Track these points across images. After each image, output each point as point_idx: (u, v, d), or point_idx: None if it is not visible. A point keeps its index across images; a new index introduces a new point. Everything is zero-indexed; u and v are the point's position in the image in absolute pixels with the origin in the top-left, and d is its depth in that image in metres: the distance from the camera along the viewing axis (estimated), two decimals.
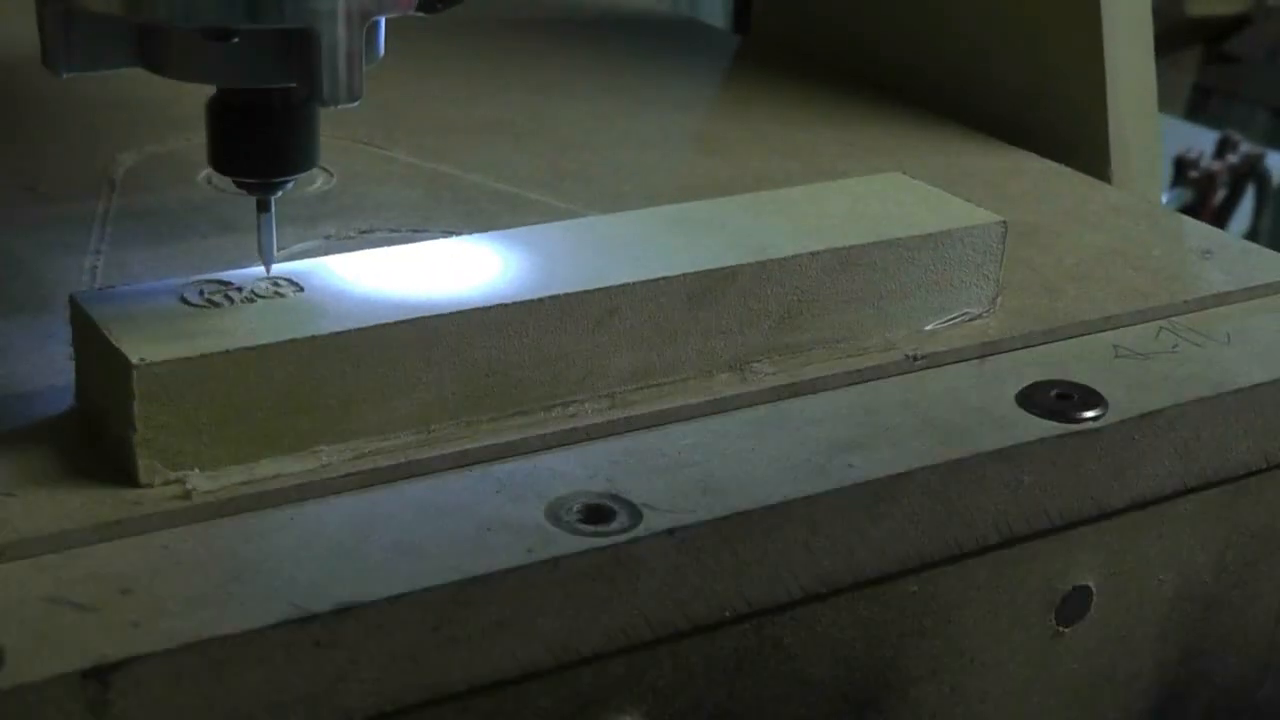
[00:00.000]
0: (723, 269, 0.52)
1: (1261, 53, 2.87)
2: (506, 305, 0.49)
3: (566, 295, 0.50)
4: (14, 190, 0.67)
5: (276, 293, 0.48)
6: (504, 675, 0.44)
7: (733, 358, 0.53)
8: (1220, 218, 2.22)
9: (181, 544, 0.43)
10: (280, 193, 0.50)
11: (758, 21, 0.99)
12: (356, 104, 0.46)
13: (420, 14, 0.47)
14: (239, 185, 0.50)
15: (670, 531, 0.45)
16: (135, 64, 0.47)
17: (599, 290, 0.50)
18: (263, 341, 0.45)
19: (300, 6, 0.44)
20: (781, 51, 0.93)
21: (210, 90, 0.48)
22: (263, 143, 0.48)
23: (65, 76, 0.46)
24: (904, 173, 0.61)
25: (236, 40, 0.45)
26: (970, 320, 0.58)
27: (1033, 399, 0.54)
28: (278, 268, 0.50)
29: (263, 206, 0.50)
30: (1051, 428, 0.52)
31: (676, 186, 0.71)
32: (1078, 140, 0.77)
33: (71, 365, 0.49)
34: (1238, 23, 2.91)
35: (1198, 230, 0.70)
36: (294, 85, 0.47)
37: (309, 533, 0.44)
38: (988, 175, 0.74)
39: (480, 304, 0.48)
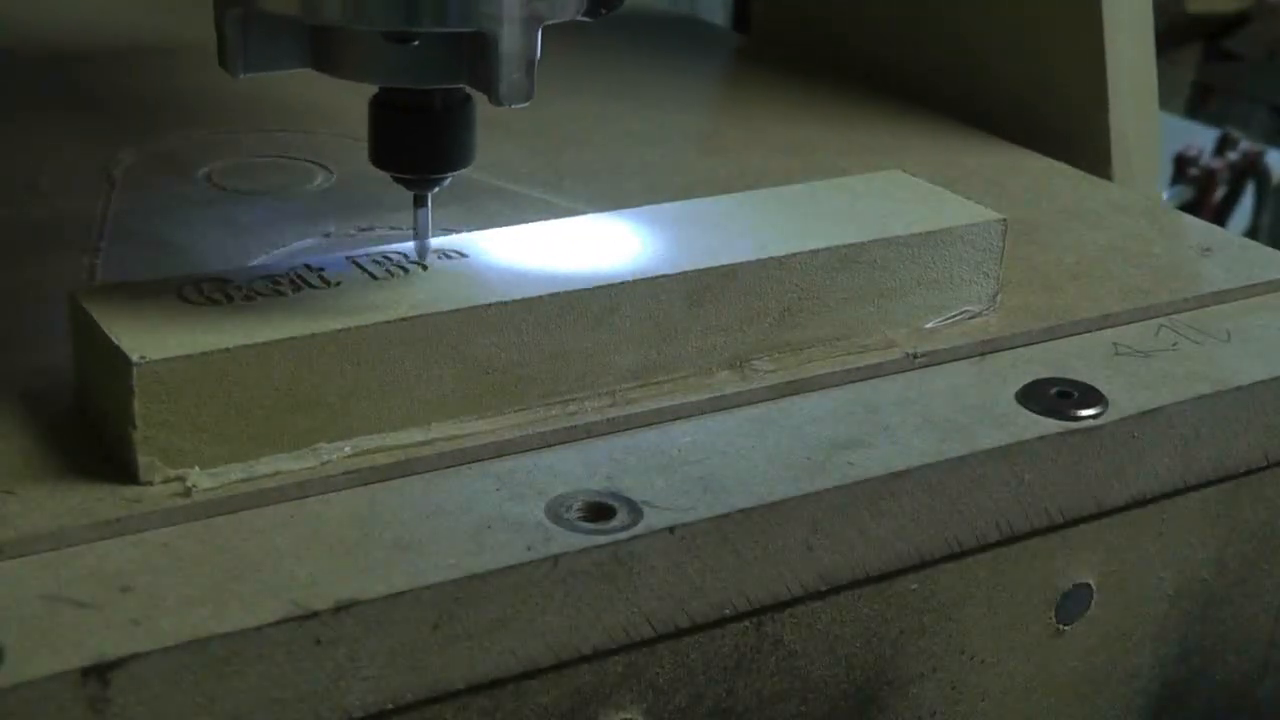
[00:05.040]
0: (722, 267, 0.52)
1: (1261, 50, 2.87)
2: (506, 303, 0.49)
3: (566, 293, 0.50)
4: (14, 188, 0.67)
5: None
6: (504, 673, 0.44)
7: (733, 355, 0.53)
8: (1220, 215, 2.22)
9: (181, 542, 0.43)
10: (437, 188, 0.51)
11: (758, 20, 0.99)
12: (528, 104, 0.48)
13: (585, 19, 0.49)
14: (397, 180, 0.52)
15: (670, 529, 0.45)
16: (307, 65, 0.49)
17: (599, 288, 0.50)
18: (262, 339, 0.45)
19: (480, 11, 0.46)
20: (782, 50, 0.93)
21: (369, 90, 0.50)
22: (424, 141, 0.50)
23: (242, 77, 0.49)
24: (904, 170, 0.61)
25: (416, 43, 0.47)
26: (970, 318, 0.58)
27: (1033, 397, 0.54)
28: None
29: (419, 202, 0.52)
30: (1051, 425, 0.52)
31: (677, 185, 0.71)
32: (1079, 138, 0.77)
33: (71, 363, 0.49)
34: (1237, 20, 2.91)
35: (1197, 228, 0.70)
36: (459, 86, 0.49)
37: (309, 530, 0.44)
38: (987, 173, 0.74)
39: (480, 301, 0.48)
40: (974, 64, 0.82)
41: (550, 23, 0.48)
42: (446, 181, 0.51)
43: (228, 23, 0.48)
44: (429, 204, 0.52)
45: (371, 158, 0.51)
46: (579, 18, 0.49)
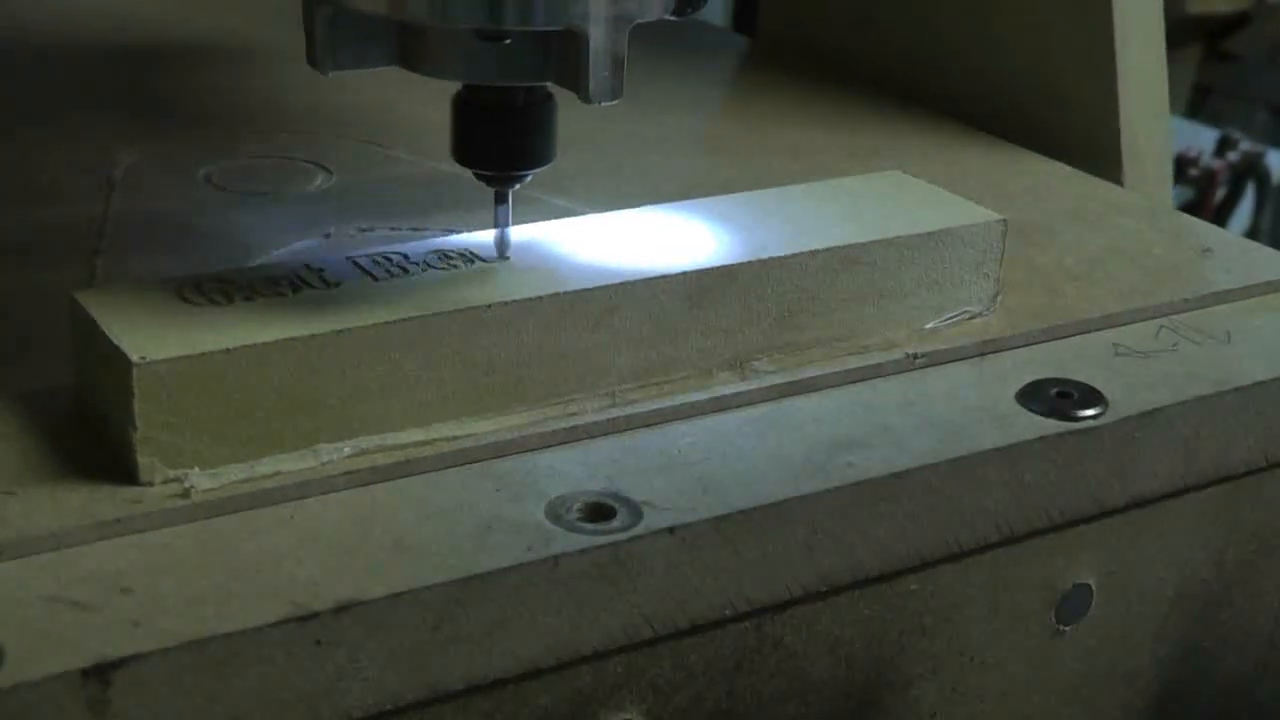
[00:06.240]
0: (723, 267, 0.52)
1: (1261, 51, 2.87)
2: (506, 304, 0.49)
3: (566, 294, 0.50)
4: (14, 189, 0.67)
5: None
6: (504, 674, 0.44)
7: (733, 356, 0.53)
8: (1220, 216, 2.22)
9: (182, 542, 0.43)
10: (518, 185, 0.52)
11: (764, 22, 0.99)
12: (617, 101, 0.48)
13: (673, 18, 0.49)
14: (479, 177, 0.52)
15: (670, 530, 0.45)
16: (395, 63, 0.50)
17: (599, 289, 0.50)
18: (263, 340, 0.45)
19: (572, 10, 0.46)
20: (784, 52, 0.93)
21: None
22: (506, 138, 0.51)
23: (330, 75, 0.49)
24: (904, 171, 0.61)
25: (509, 41, 0.47)
26: (970, 319, 0.58)
27: (1033, 397, 0.54)
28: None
29: (500, 198, 0.52)
30: (1052, 426, 0.52)
31: (678, 186, 0.71)
32: (1089, 144, 0.77)
33: (71, 364, 0.49)
34: (1237, 21, 2.91)
35: (1198, 228, 0.70)
36: (543, 83, 0.49)
37: (309, 531, 0.44)
38: (988, 174, 0.74)
39: (480, 302, 0.48)
40: (983, 70, 0.82)
41: (639, 22, 0.48)
42: (528, 178, 0.52)
43: (318, 21, 0.48)
44: (509, 200, 0.52)
45: (454, 155, 0.52)
46: (667, 16, 0.49)
